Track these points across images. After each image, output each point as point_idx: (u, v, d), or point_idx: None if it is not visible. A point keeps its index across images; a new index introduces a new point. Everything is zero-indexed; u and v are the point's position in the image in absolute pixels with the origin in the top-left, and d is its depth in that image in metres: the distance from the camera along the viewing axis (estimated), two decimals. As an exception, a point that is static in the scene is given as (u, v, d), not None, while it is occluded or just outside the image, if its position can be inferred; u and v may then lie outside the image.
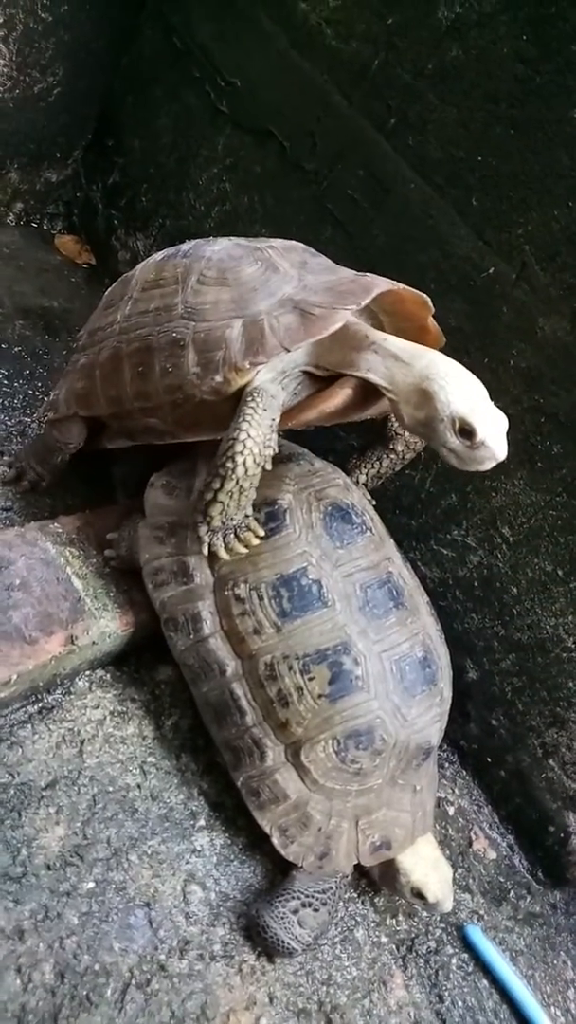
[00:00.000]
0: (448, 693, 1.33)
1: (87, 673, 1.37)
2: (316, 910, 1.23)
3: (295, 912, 1.21)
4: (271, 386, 1.18)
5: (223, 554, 1.22)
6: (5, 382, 1.73)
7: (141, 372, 1.25)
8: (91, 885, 1.16)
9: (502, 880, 1.57)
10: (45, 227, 2.21)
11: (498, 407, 1.13)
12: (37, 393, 1.76)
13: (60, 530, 1.39)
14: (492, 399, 1.13)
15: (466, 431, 1.09)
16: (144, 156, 2.01)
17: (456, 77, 1.42)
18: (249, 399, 1.15)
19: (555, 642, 1.49)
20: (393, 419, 1.42)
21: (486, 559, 1.56)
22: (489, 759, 1.64)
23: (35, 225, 2.19)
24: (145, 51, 1.95)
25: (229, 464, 1.14)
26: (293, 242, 1.33)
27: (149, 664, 1.44)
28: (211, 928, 1.21)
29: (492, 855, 1.60)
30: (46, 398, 1.75)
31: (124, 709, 1.37)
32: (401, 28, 1.47)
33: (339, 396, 1.25)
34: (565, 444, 1.41)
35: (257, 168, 1.78)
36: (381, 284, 1.18)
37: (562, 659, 1.49)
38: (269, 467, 1.19)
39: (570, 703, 1.50)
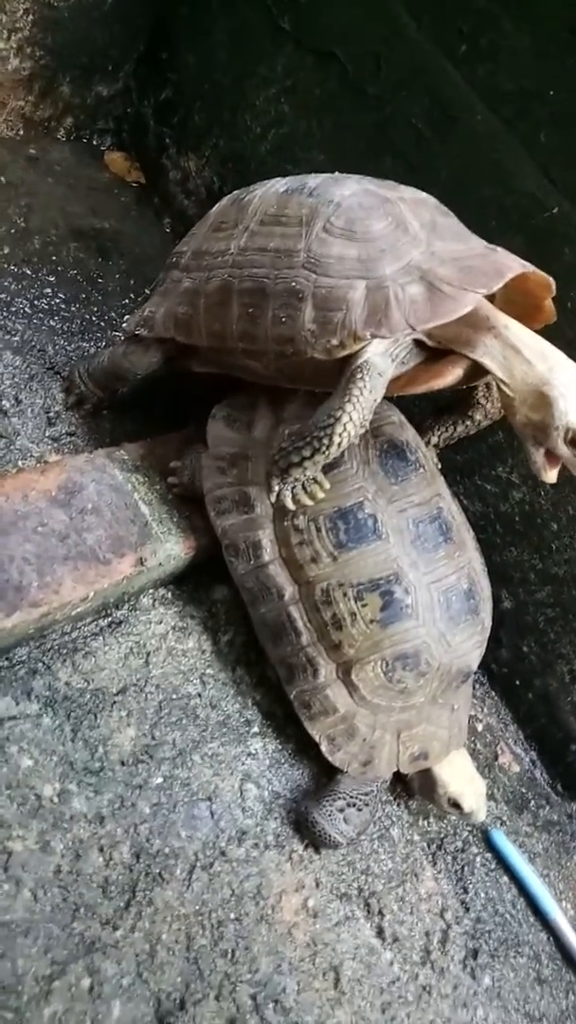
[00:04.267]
0: (488, 623, 1.42)
1: (151, 591, 1.47)
2: (359, 810, 1.36)
3: (341, 811, 1.34)
4: (381, 361, 1.15)
5: (289, 504, 1.22)
6: (63, 306, 1.76)
7: (251, 314, 1.22)
8: (160, 780, 1.29)
9: (524, 791, 1.70)
10: (95, 143, 2.19)
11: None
12: (94, 318, 1.79)
13: (126, 457, 1.45)
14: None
15: None
16: (199, 72, 1.97)
17: (533, 3, 1.38)
18: (358, 375, 1.13)
19: (591, 577, 1.57)
20: (480, 390, 1.41)
21: (528, 495, 1.62)
22: (518, 682, 1.75)
23: (85, 141, 2.16)
24: (203, -42, 1.88)
25: (325, 440, 1.14)
26: (424, 195, 1.28)
27: (206, 584, 1.53)
28: (265, 821, 1.34)
29: (516, 768, 1.73)
30: (102, 323, 1.79)
31: (184, 625, 1.47)
32: (478, -53, 1.42)
33: (450, 376, 1.23)
34: (616, 388, 1.45)
35: (317, 91, 1.74)
36: (514, 266, 1.15)
37: (597, 593, 1.58)
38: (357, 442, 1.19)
39: (601, 634, 1.60)
